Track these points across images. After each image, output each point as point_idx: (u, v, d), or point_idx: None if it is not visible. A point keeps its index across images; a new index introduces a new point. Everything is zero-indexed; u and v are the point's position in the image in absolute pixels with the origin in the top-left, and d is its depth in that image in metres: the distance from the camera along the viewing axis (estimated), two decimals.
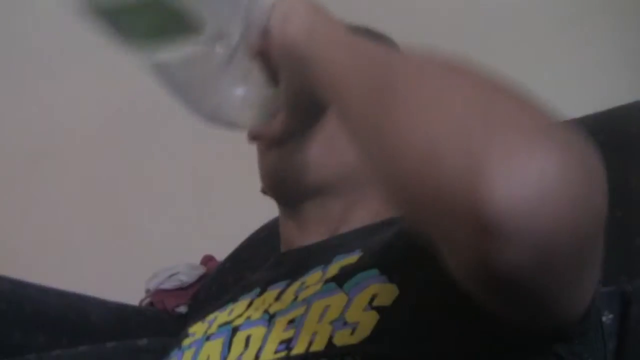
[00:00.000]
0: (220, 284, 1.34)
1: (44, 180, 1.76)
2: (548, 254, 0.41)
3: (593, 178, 0.43)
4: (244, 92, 0.68)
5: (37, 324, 1.18)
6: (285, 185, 0.76)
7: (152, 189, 1.71)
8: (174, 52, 0.65)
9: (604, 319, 0.76)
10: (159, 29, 0.63)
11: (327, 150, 0.74)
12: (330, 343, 0.57)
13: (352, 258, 0.66)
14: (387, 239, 0.66)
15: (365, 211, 0.75)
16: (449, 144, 0.42)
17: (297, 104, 0.65)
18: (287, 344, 0.60)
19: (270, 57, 0.63)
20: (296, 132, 0.70)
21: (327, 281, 0.64)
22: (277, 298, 0.67)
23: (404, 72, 0.49)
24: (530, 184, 0.39)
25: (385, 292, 0.58)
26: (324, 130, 0.73)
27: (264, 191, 0.84)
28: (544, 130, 0.42)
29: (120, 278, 1.62)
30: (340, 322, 0.58)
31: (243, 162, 1.61)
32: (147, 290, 1.52)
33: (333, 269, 0.66)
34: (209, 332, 0.70)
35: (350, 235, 0.72)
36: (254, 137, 0.73)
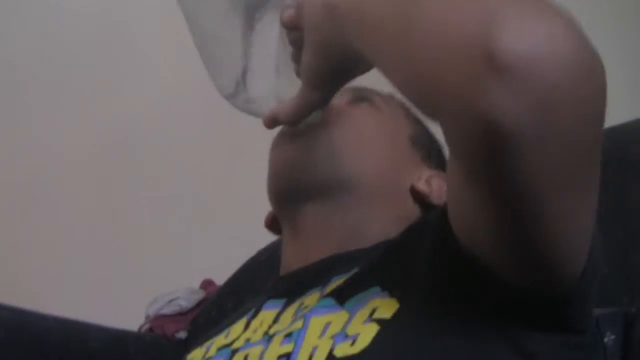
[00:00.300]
0: (219, 308, 1.33)
1: (40, 205, 1.75)
2: (547, 106, 0.43)
3: (596, 57, 0.45)
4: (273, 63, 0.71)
5: (36, 351, 1.17)
6: (297, 178, 0.75)
7: (150, 213, 1.71)
8: None
9: (606, 339, 0.76)
10: None
11: (347, 148, 0.76)
12: (330, 355, 0.58)
13: (346, 277, 0.66)
14: (386, 254, 0.67)
15: (370, 232, 0.75)
16: (466, 11, 0.45)
17: (319, 73, 0.65)
18: (287, 358, 0.60)
19: (301, 32, 0.65)
20: (312, 110, 0.70)
21: (324, 296, 0.65)
22: (276, 320, 0.67)
23: None
24: (541, 33, 0.42)
25: (385, 305, 0.59)
26: (347, 130, 0.76)
27: (268, 225, 0.84)
28: (554, 7, 0.44)
29: (119, 303, 1.61)
30: (341, 335, 0.59)
31: (242, 185, 1.62)
32: (147, 316, 1.51)
33: (331, 288, 0.66)
34: (208, 355, 0.70)
35: (350, 255, 0.72)
36: (272, 115, 0.71)
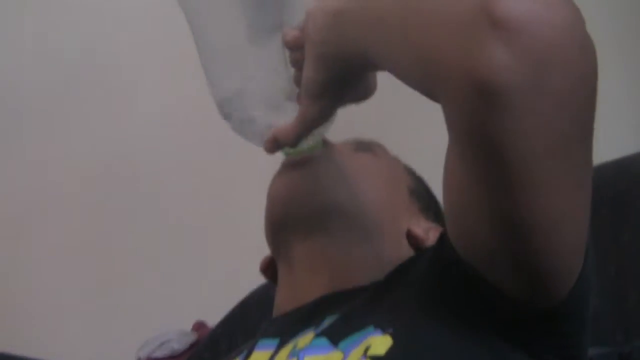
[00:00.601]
0: (213, 351, 1.32)
1: (30, 242, 1.74)
2: (541, 63, 0.45)
3: (585, 30, 0.47)
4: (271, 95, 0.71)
5: None
6: (296, 205, 0.75)
7: (141, 253, 1.70)
8: None
9: None
10: None
11: (348, 183, 0.77)
12: None
13: (339, 316, 0.66)
14: (378, 293, 0.67)
15: (363, 270, 0.75)
16: None
17: (318, 87, 0.65)
18: None
19: (300, 49, 0.66)
20: (312, 128, 0.70)
21: (318, 335, 0.64)
22: None
23: None
24: None
25: (379, 343, 0.59)
26: (349, 167, 0.77)
27: (263, 269, 0.84)
28: None
29: (110, 346, 1.59)
30: None
31: (236, 227, 1.61)
32: (138, 359, 1.49)
33: (324, 328, 0.66)
34: None
35: (342, 295, 0.72)
36: (272, 137, 0.71)
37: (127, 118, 1.71)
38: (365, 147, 0.84)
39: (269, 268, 0.84)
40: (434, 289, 0.60)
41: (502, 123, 0.46)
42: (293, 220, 0.76)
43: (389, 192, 0.80)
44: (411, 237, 0.78)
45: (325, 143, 0.79)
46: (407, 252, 0.77)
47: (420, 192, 0.84)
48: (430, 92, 0.52)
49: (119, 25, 1.70)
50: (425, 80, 0.52)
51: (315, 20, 0.63)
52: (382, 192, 0.80)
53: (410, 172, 0.86)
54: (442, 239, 0.60)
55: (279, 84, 0.72)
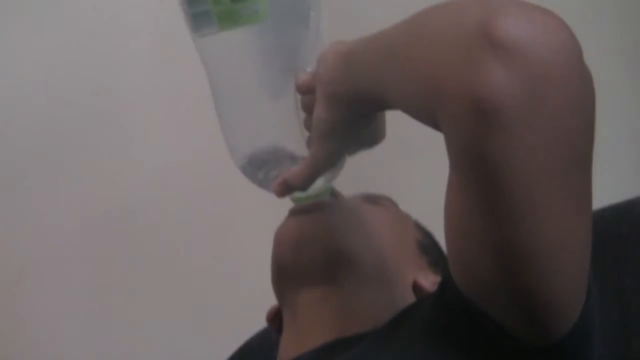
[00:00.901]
0: None
1: (29, 292, 1.73)
2: (537, 84, 0.45)
3: (582, 57, 0.48)
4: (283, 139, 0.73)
5: None
6: (303, 249, 0.75)
7: (140, 299, 1.69)
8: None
9: None
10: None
11: (356, 231, 0.77)
12: None
13: None
14: (381, 337, 0.67)
15: (366, 317, 0.74)
16: (466, 10, 0.50)
17: (329, 128, 0.66)
18: None
19: (311, 92, 0.68)
20: (322, 170, 0.70)
21: None
22: None
23: (423, 14, 0.56)
24: (536, 19, 0.47)
25: None
26: (357, 216, 0.78)
27: (270, 319, 0.83)
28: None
29: None
30: None
31: (234, 270, 1.61)
32: None
33: None
34: None
35: (344, 342, 0.71)
36: (282, 181, 0.71)
37: (127, 167, 1.71)
38: (374, 200, 0.85)
39: (276, 318, 0.83)
40: (438, 330, 0.60)
41: (499, 142, 0.46)
42: (300, 264, 0.76)
43: (396, 244, 0.80)
44: (417, 289, 0.77)
45: (334, 192, 0.79)
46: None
47: (429, 246, 0.84)
48: (432, 116, 0.52)
49: (120, 74, 1.71)
50: (427, 103, 0.53)
51: (326, 62, 0.65)
52: (390, 243, 0.80)
53: (420, 227, 0.86)
54: (445, 279, 0.60)
55: (293, 134, 0.72)
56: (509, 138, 0.46)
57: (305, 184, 0.71)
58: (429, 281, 0.78)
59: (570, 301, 0.52)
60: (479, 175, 0.49)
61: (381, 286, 0.76)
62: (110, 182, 1.70)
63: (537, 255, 0.49)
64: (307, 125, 0.70)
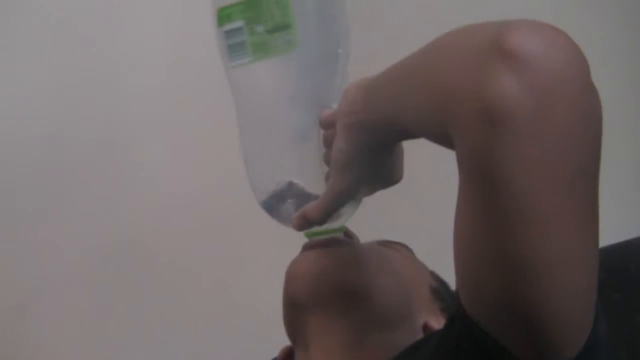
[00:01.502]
0: None
1: (30, 326, 1.73)
2: (546, 93, 0.47)
3: (590, 78, 0.50)
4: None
5: None
6: (317, 281, 0.75)
7: (143, 335, 1.69)
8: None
9: None
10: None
11: (370, 268, 0.76)
12: None
13: None
14: None
15: (376, 355, 0.73)
16: (479, 33, 0.52)
17: (347, 161, 0.67)
18: None
19: (332, 127, 0.69)
20: (340, 204, 0.71)
21: None
22: None
23: (436, 44, 0.58)
24: (547, 34, 0.49)
25: None
26: (372, 255, 0.78)
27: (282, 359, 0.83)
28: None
29: None
30: None
31: (239, 304, 1.60)
32: None
33: None
34: None
35: None
36: (301, 214, 0.72)
37: (132, 198, 1.71)
38: (389, 244, 0.85)
39: (288, 358, 0.83)
40: (445, 355, 0.59)
41: (507, 149, 0.48)
42: (312, 297, 0.75)
43: (410, 286, 0.80)
44: (428, 330, 0.77)
45: (348, 233, 0.79)
46: None
47: (442, 293, 0.84)
48: (446, 131, 0.53)
49: (126, 101, 1.73)
50: (440, 116, 0.54)
51: (348, 96, 0.67)
52: (404, 284, 0.79)
53: (434, 275, 0.86)
54: (455, 309, 0.59)
55: (313, 172, 0.74)
56: (517, 145, 0.47)
57: (322, 218, 0.71)
58: (440, 324, 0.78)
59: (576, 323, 0.52)
60: (485, 184, 0.50)
61: (392, 326, 0.75)
62: (114, 213, 1.70)
63: (541, 268, 0.49)
64: (327, 159, 0.71)
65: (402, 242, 0.86)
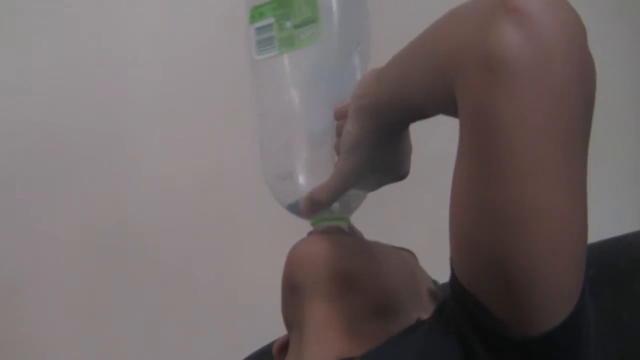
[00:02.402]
0: None
1: (24, 308, 1.72)
2: (545, 46, 0.50)
3: (586, 45, 0.52)
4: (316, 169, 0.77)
5: None
6: (316, 266, 0.75)
7: (134, 320, 1.68)
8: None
9: None
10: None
11: (370, 258, 0.77)
12: None
13: None
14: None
15: (367, 344, 0.73)
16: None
17: (356, 133, 0.69)
18: None
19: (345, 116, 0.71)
20: (348, 186, 0.73)
21: None
22: None
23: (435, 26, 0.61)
24: None
25: None
26: (373, 247, 0.80)
27: (277, 351, 0.83)
28: None
29: None
30: None
31: (232, 289, 1.60)
32: None
33: None
34: None
35: None
36: (309, 196, 0.75)
37: (128, 184, 1.71)
38: (393, 247, 0.86)
39: (282, 350, 0.83)
40: (435, 325, 0.61)
41: (505, 97, 0.50)
42: (310, 280, 0.75)
43: (408, 283, 0.81)
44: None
45: (352, 227, 0.80)
46: None
47: (440, 298, 0.84)
48: (450, 91, 0.55)
49: (123, 93, 1.72)
50: (445, 76, 0.56)
51: (362, 82, 0.69)
52: (402, 279, 0.80)
53: (435, 282, 0.86)
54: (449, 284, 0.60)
55: (325, 163, 0.76)
56: (515, 93, 0.50)
57: (329, 199, 0.73)
58: None
59: (561, 287, 0.52)
60: (482, 133, 0.51)
61: (388, 315, 0.76)
62: (109, 201, 1.70)
63: (530, 222, 0.50)
64: (337, 147, 0.73)
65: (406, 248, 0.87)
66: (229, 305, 1.57)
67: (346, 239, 0.78)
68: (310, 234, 0.80)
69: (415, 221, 1.45)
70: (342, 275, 0.75)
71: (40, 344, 1.67)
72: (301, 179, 0.78)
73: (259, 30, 0.80)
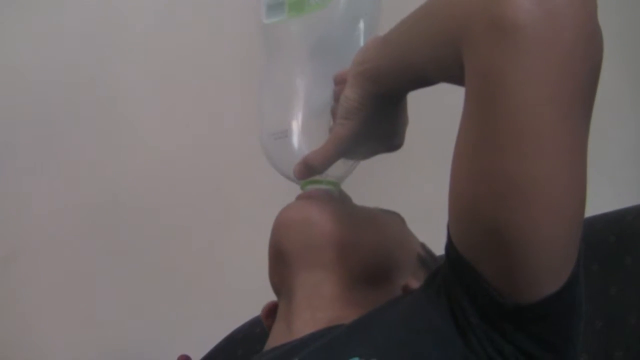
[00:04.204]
0: None
1: (23, 271, 1.73)
2: (554, 14, 0.49)
3: (596, 19, 0.52)
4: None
5: None
6: (304, 233, 0.75)
7: (129, 287, 1.69)
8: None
9: None
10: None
11: (359, 223, 0.77)
12: None
13: (322, 342, 0.66)
14: (362, 320, 0.67)
15: (355, 313, 0.74)
16: None
17: (354, 98, 0.69)
18: None
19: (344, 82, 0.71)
20: (343, 151, 0.72)
21: None
22: None
23: None
24: None
25: None
26: (362, 211, 0.80)
27: (265, 314, 0.83)
28: None
29: None
30: None
31: (225, 261, 1.61)
32: None
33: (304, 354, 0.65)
34: None
35: (329, 330, 0.71)
36: (303, 161, 0.74)
37: (120, 155, 1.71)
38: (382, 211, 0.85)
39: (270, 315, 0.83)
40: (427, 292, 0.61)
41: (512, 59, 0.50)
42: (298, 248, 0.75)
43: (397, 249, 0.81)
44: (407, 291, 0.78)
45: (343, 194, 0.80)
46: None
47: (429, 263, 0.84)
48: (458, 55, 0.55)
49: (122, 58, 1.71)
50: (452, 39, 0.55)
51: (364, 48, 0.69)
52: (391, 245, 0.80)
53: (424, 247, 0.86)
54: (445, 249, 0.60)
55: (325, 125, 0.77)
56: (523, 56, 0.50)
57: (324, 164, 0.73)
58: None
59: (557, 255, 0.53)
60: (488, 96, 0.52)
61: (376, 281, 0.76)
62: (103, 168, 1.70)
63: (529, 187, 0.51)
64: (334, 112, 0.72)
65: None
66: (220, 270, 1.57)
67: (334, 204, 0.77)
68: (298, 197, 0.79)
69: (410, 191, 1.45)
70: (330, 243, 0.75)
71: (34, 313, 1.68)
72: (295, 139, 0.78)
73: None
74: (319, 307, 0.74)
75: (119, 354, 1.63)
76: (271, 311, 0.83)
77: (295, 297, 0.75)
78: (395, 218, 0.86)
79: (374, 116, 0.69)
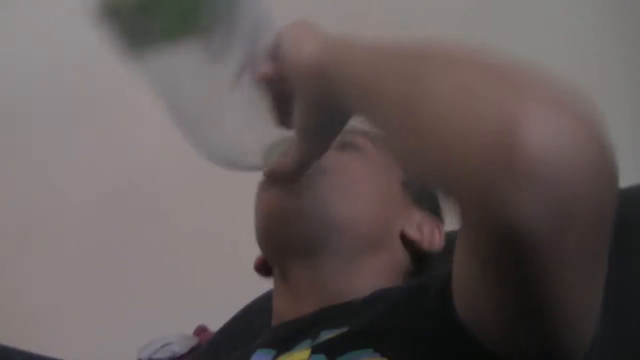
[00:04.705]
0: (213, 356, 1.32)
1: (37, 250, 1.75)
2: (568, 214, 0.41)
3: (613, 162, 0.44)
4: (253, 128, 0.70)
5: None
6: (287, 231, 0.75)
7: (146, 260, 1.71)
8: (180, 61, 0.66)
9: None
10: (169, 31, 0.64)
11: (336, 197, 0.75)
12: None
13: (339, 333, 0.65)
14: (379, 313, 0.66)
15: (360, 283, 0.74)
16: (485, 106, 0.43)
17: (313, 128, 0.65)
18: None
19: (285, 83, 0.64)
20: (311, 162, 0.70)
21: (315, 351, 0.64)
22: None
23: (428, 62, 0.50)
24: (565, 131, 0.41)
25: None
26: (335, 179, 0.76)
27: (257, 267, 0.83)
28: (572, 102, 0.43)
29: (112, 346, 1.60)
30: None
31: (238, 234, 1.61)
32: None
33: (322, 342, 0.65)
34: None
35: (341, 308, 0.72)
36: (271, 173, 0.72)
37: (131, 139, 1.71)
38: (349, 143, 0.81)
39: (264, 267, 0.84)
40: (436, 340, 0.58)
41: (525, 267, 0.44)
42: (284, 246, 0.76)
43: (380, 196, 0.79)
44: (405, 240, 0.77)
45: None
46: (403, 254, 0.78)
47: (411, 181, 0.82)
48: (435, 187, 0.51)
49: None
50: (431, 179, 0.51)
51: (301, 58, 0.62)
52: (373, 198, 0.78)
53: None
54: (447, 297, 0.56)
55: (256, 124, 0.71)
56: (535, 263, 0.43)
57: (293, 177, 0.71)
58: (415, 227, 0.78)
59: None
60: (498, 274, 0.46)
61: (371, 247, 0.76)
62: (117, 154, 1.71)
63: (555, 319, 0.47)
64: (279, 108, 0.67)
65: None
66: (235, 243, 1.58)
67: (309, 185, 0.74)
68: (264, 179, 0.76)
69: None
70: (316, 230, 0.75)
71: (50, 284, 1.71)
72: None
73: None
74: (320, 289, 0.75)
75: (135, 322, 1.65)
76: (263, 263, 0.83)
77: (291, 278, 0.76)
78: (366, 146, 0.81)
79: (339, 126, 0.66)
